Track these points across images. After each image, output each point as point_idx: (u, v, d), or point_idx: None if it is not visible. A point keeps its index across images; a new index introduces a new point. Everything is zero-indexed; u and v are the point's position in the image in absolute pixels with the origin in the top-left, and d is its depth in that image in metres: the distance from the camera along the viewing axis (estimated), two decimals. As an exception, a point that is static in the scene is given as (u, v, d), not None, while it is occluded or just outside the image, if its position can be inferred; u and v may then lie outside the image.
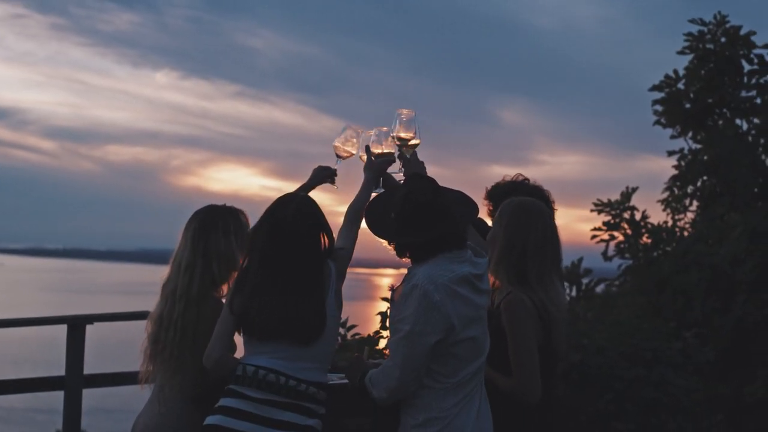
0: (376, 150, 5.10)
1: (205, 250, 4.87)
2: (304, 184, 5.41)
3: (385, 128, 5.12)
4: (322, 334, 4.45)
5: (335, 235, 4.75)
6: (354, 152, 5.37)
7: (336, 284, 4.57)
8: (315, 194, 5.05)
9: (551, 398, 4.84)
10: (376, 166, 5.07)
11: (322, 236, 4.61)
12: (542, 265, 4.81)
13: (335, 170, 5.41)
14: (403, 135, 5.06)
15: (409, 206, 4.39)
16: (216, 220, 4.96)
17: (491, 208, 5.52)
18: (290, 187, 5.05)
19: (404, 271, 4.47)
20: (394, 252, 4.51)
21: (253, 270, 4.51)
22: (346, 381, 4.78)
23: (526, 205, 4.93)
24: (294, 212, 4.57)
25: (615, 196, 14.56)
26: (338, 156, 5.39)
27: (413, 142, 5.06)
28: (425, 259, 4.35)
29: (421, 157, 5.09)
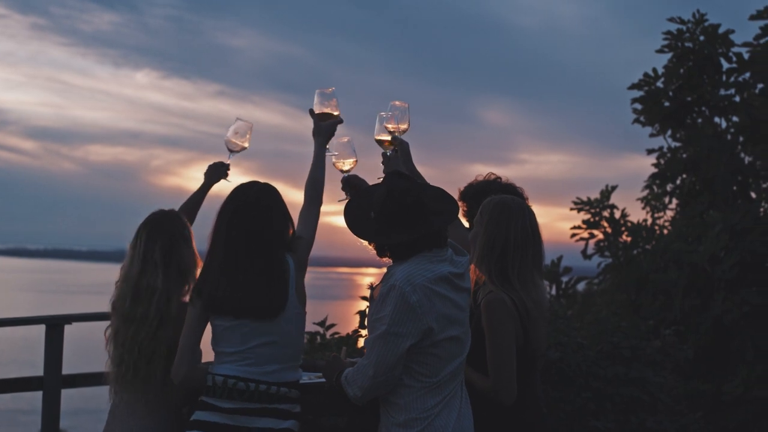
0: (321, 111, 5.09)
1: (179, 268, 4.82)
2: (201, 186, 5.40)
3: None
4: (283, 311, 4.43)
5: (295, 218, 4.76)
6: (246, 146, 5.37)
7: (296, 278, 4.55)
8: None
9: (529, 397, 4.83)
10: (324, 129, 5.07)
11: (283, 222, 4.60)
12: (523, 263, 4.80)
13: (228, 164, 5.41)
14: (392, 126, 5.09)
15: (389, 205, 4.36)
16: (181, 231, 4.89)
17: (466, 208, 5.52)
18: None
19: (385, 270, 4.46)
20: (374, 252, 4.49)
21: (217, 252, 4.49)
22: (323, 380, 4.77)
23: (506, 202, 4.92)
24: (257, 193, 4.59)
25: (595, 195, 14.61)
26: (230, 150, 5.37)
27: (403, 127, 5.10)
28: (405, 258, 4.33)
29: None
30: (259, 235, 4.49)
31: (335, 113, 5.10)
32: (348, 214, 4.57)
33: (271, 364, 4.45)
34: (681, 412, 9.54)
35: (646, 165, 15.82)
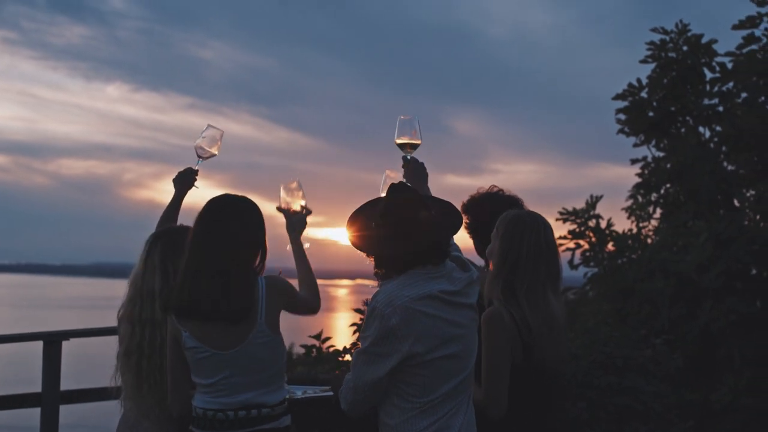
0: (289, 207, 5.15)
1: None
2: (173, 197, 5.41)
3: (293, 184, 5.18)
4: (248, 316, 4.39)
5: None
6: (216, 153, 5.38)
7: (268, 304, 4.50)
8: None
9: (526, 415, 4.76)
10: (296, 223, 5.14)
11: (253, 235, 4.61)
12: (534, 278, 4.77)
13: (197, 171, 5.42)
14: (403, 140, 5.16)
15: (388, 217, 4.33)
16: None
17: (468, 221, 5.53)
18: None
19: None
20: (373, 263, 4.46)
21: (188, 258, 4.49)
22: (329, 393, 4.76)
23: (521, 217, 4.90)
24: (226, 205, 4.58)
25: (569, 204, 14.64)
26: (199, 156, 5.37)
27: (414, 142, 5.16)
28: (400, 271, 4.28)
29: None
30: (227, 246, 4.47)
31: (302, 203, 5.16)
32: (351, 224, 4.55)
33: (245, 393, 4.43)
34: (672, 421, 9.60)
35: (619, 173, 16.01)
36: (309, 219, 5.17)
